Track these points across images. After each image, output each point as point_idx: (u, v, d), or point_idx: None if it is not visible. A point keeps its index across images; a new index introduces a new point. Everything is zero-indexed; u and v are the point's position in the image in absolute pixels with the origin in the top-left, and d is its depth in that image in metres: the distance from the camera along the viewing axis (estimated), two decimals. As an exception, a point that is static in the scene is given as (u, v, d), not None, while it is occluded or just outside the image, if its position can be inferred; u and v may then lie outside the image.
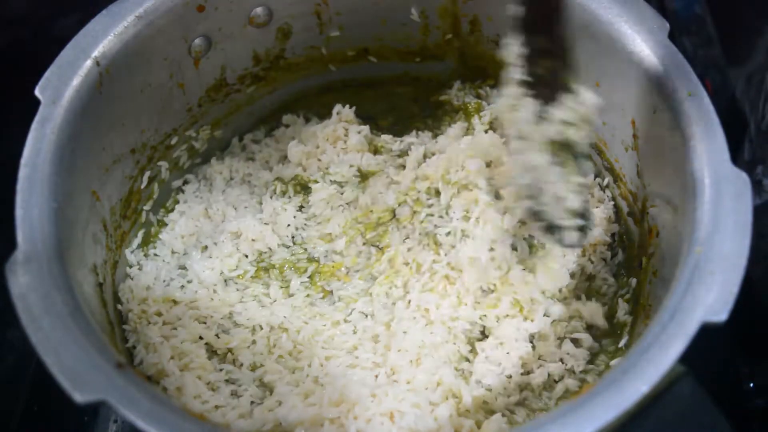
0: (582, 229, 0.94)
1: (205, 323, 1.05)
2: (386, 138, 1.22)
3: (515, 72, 0.87)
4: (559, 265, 1.06)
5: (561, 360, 1.01)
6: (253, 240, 1.13)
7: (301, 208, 1.16)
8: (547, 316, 1.03)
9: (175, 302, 1.06)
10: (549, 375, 1.00)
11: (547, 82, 0.85)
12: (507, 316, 1.02)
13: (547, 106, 0.86)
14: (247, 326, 1.05)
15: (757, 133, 1.15)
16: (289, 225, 1.14)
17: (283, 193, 1.17)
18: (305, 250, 1.13)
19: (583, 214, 0.94)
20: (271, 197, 1.17)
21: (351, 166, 1.17)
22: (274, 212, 1.15)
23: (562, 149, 0.89)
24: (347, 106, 1.23)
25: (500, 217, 1.02)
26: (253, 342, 1.03)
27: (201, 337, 1.03)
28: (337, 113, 1.22)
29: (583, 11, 1.00)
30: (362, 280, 1.09)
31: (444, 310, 1.02)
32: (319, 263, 1.12)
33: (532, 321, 1.02)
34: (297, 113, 1.29)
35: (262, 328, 1.04)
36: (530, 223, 0.98)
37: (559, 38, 0.83)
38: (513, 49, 0.86)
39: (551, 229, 0.95)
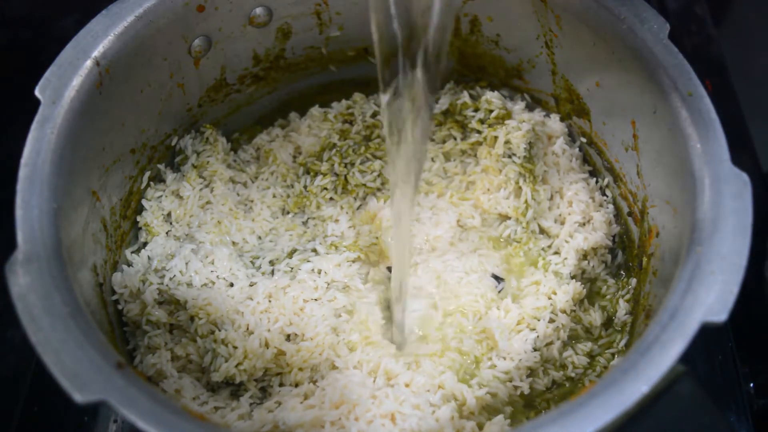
0: None
1: (209, 322, 1.05)
2: None
3: None
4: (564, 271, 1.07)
5: (563, 365, 1.01)
6: (249, 239, 1.13)
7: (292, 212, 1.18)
8: (552, 322, 1.03)
9: (174, 302, 1.06)
10: (553, 381, 1.00)
11: None
12: (513, 330, 1.03)
13: None
14: (251, 329, 1.04)
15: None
16: (278, 218, 1.15)
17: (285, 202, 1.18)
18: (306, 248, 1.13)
19: None
20: (272, 197, 1.18)
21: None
22: (269, 210, 1.16)
23: None
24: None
25: None
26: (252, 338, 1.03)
27: (200, 337, 1.03)
28: None
29: (583, 11, 1.00)
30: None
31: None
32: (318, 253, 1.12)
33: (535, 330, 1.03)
34: (297, 113, 1.29)
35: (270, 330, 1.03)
36: None
37: None
38: None
39: None
